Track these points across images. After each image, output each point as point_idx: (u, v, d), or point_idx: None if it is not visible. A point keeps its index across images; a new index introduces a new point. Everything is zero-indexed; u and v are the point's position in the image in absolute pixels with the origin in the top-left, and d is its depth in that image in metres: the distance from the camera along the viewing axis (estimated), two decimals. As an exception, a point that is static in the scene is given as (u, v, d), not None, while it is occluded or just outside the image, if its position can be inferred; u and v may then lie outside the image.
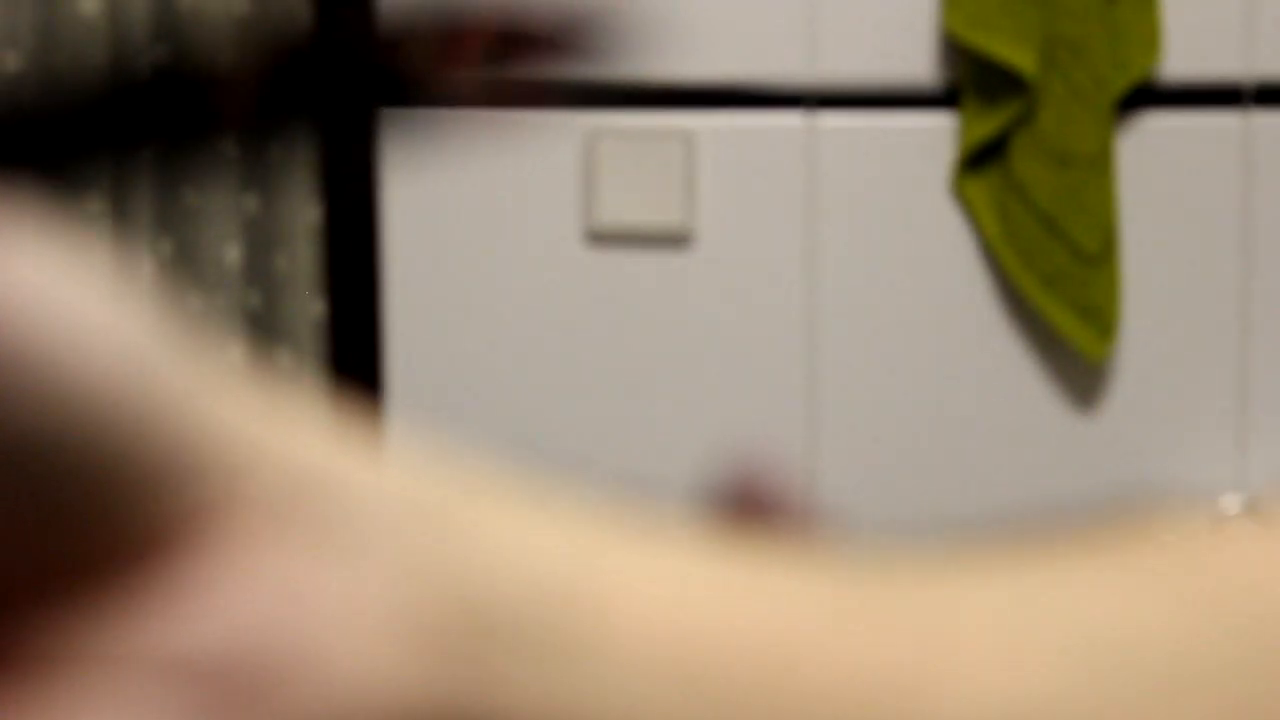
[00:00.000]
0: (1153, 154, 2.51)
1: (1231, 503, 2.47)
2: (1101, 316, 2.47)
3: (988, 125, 2.46)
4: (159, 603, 0.33)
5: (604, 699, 0.38)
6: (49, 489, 0.32)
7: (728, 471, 0.83)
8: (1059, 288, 2.47)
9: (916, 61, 2.52)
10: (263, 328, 2.59)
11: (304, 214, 2.61)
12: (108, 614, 0.33)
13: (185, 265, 2.54)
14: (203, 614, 0.33)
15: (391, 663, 0.35)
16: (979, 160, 2.49)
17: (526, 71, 0.33)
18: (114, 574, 0.33)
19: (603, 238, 2.56)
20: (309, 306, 2.61)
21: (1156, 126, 2.51)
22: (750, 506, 0.92)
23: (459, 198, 2.57)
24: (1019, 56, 2.41)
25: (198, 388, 0.34)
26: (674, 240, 2.56)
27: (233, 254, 2.58)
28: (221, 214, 2.56)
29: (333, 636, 0.34)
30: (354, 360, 2.57)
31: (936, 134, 2.52)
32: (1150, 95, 2.50)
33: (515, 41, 0.33)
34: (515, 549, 0.38)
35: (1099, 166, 2.44)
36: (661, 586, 0.41)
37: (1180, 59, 2.49)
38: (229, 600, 0.34)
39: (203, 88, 0.31)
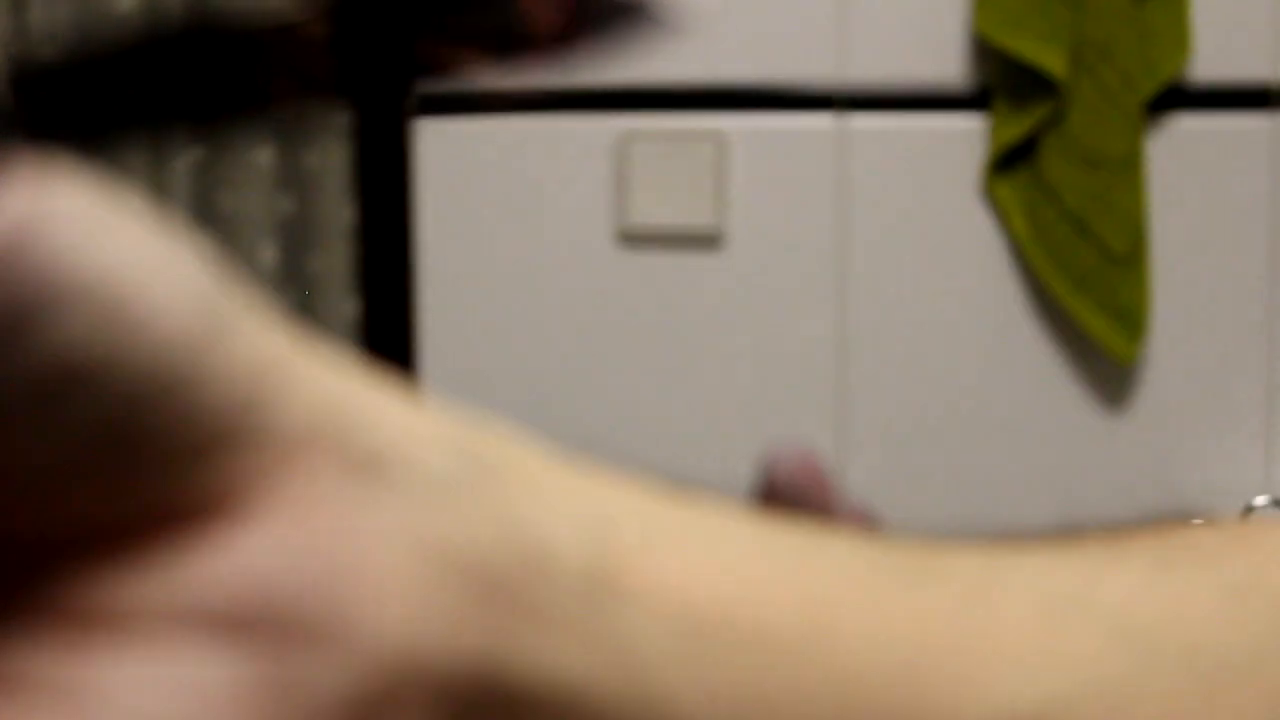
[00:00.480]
0: (1182, 156, 2.51)
1: (1262, 505, 2.46)
2: (1131, 318, 2.48)
3: (1018, 127, 2.46)
4: (205, 547, 0.33)
5: (636, 647, 0.38)
6: (105, 418, 0.32)
7: (768, 465, 0.83)
8: (1088, 289, 2.47)
9: (947, 63, 2.53)
10: (298, 327, 2.60)
11: (339, 215, 2.63)
12: (152, 563, 0.33)
13: (221, 265, 2.55)
14: (244, 555, 0.33)
15: (438, 602, 0.35)
16: (1009, 161, 2.50)
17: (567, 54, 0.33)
18: (161, 514, 0.33)
19: (635, 238, 2.57)
20: (344, 306, 2.62)
21: (1186, 128, 2.51)
22: (794, 499, 0.92)
23: (492, 198, 2.58)
24: (1049, 58, 2.41)
25: (244, 315, 0.34)
26: (705, 241, 2.57)
27: (269, 254, 2.60)
28: (257, 215, 2.58)
29: (378, 575, 0.34)
30: (388, 359, 2.58)
31: (967, 135, 2.53)
32: (1180, 97, 2.50)
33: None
34: (564, 500, 0.38)
35: (1129, 168, 2.45)
36: (705, 547, 0.41)
37: (1210, 61, 2.50)
38: (273, 538, 0.34)
39: (236, 51, 0.31)
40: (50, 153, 0.31)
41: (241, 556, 0.33)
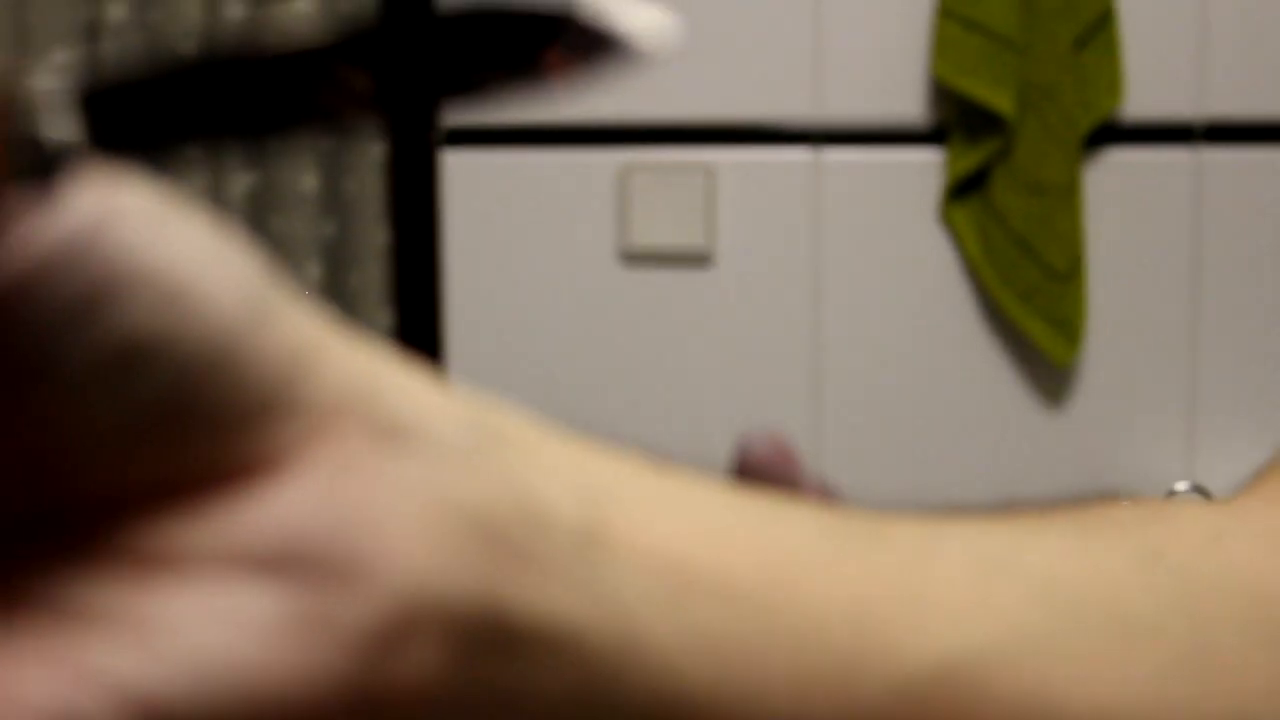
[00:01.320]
0: (1115, 185, 2.50)
1: (1183, 490, 2.46)
2: (1069, 327, 2.46)
3: (971, 159, 2.45)
4: (249, 500, 0.34)
5: (622, 597, 0.38)
6: (165, 389, 0.32)
7: (743, 443, 0.82)
8: (1032, 302, 2.46)
9: (909, 103, 2.51)
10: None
11: (375, 237, 2.62)
12: (204, 513, 0.33)
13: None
14: (282, 507, 0.34)
15: (449, 549, 0.35)
16: (963, 190, 2.49)
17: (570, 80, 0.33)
18: (211, 473, 0.33)
19: (635, 258, 2.56)
20: (380, 318, 2.62)
21: (1118, 161, 2.50)
22: (766, 475, 0.91)
23: (510, 222, 2.57)
24: (998, 99, 2.40)
25: (284, 303, 0.34)
26: (697, 260, 2.56)
27: (314, 272, 2.59)
28: (303, 237, 2.57)
29: (399, 524, 0.34)
30: (420, 365, 2.57)
31: (926, 167, 2.52)
32: (1113, 133, 2.49)
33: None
34: (562, 467, 0.39)
35: (1068, 196, 2.44)
36: (683, 511, 0.41)
37: (1139, 101, 2.49)
38: (308, 492, 0.34)
39: (278, 72, 0.31)
40: (119, 162, 0.31)
41: (281, 508, 0.33)
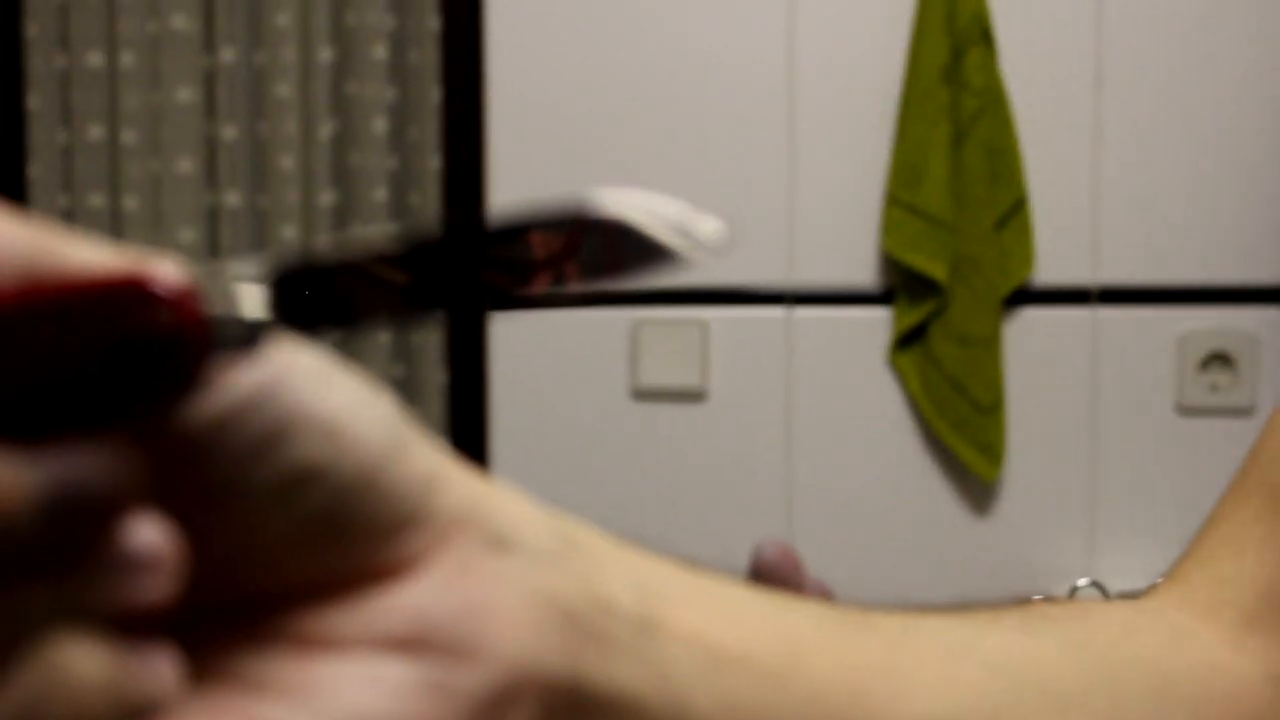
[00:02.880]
0: (1028, 337, 2.50)
1: (1084, 585, 2.44)
2: (993, 451, 2.45)
3: (913, 316, 2.45)
4: (390, 592, 0.34)
5: (670, 671, 0.39)
6: (325, 506, 0.33)
7: (757, 551, 0.82)
8: (963, 430, 2.45)
9: (864, 272, 2.52)
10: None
11: (435, 378, 2.62)
12: (355, 604, 0.34)
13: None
14: (415, 598, 0.34)
15: (542, 632, 0.36)
16: (907, 341, 2.48)
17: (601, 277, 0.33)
18: (360, 571, 0.34)
19: (643, 395, 2.56)
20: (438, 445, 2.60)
21: (1031, 318, 2.50)
22: (776, 576, 0.91)
23: (545, 367, 2.57)
24: (934, 269, 2.40)
25: (415, 440, 0.35)
26: (693, 397, 2.55)
27: (386, 406, 2.58)
28: (377, 378, 2.57)
29: (505, 612, 0.35)
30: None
31: (877, 322, 2.52)
32: (1026, 296, 2.50)
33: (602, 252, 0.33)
34: (621, 568, 0.39)
35: (991, 346, 2.43)
36: (715, 603, 0.42)
37: (1046, 271, 2.49)
38: (434, 587, 0.34)
39: (365, 278, 0.32)
40: (295, 331, 0.32)
41: (415, 599, 0.34)
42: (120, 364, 0.27)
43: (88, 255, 0.28)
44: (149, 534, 0.28)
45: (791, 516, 2.54)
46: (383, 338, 2.59)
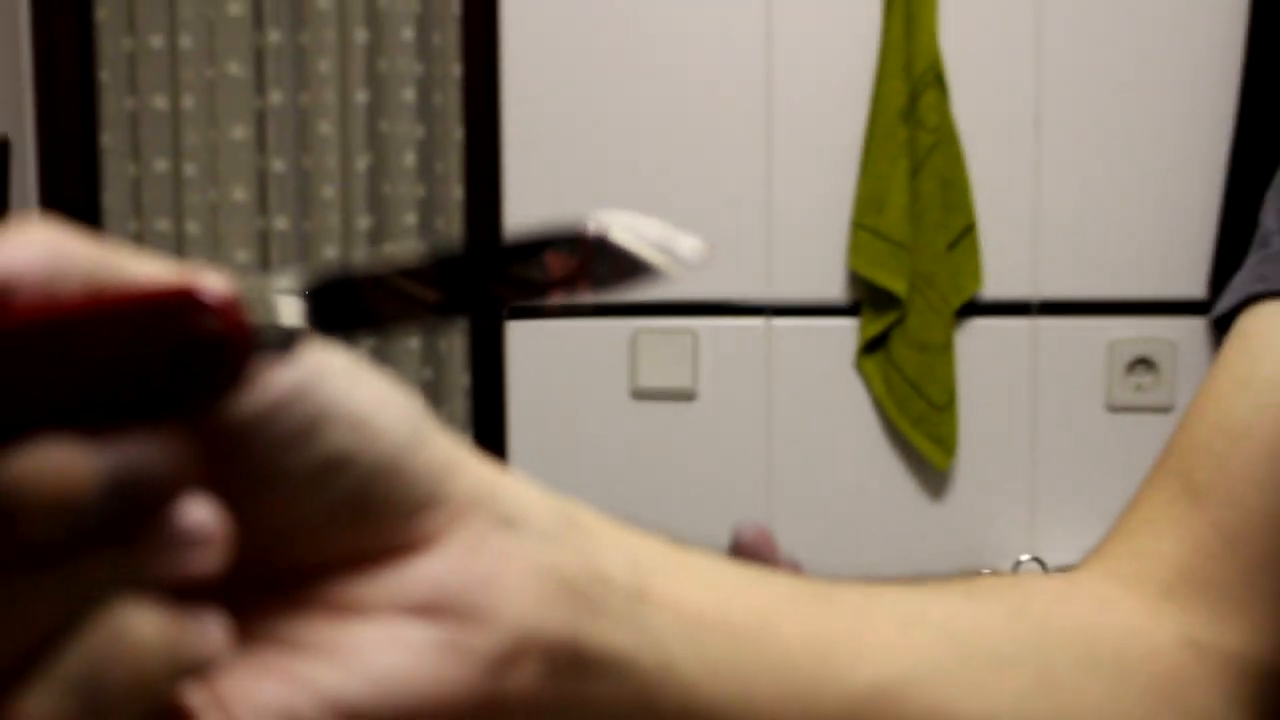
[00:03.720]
0: (977, 344, 2.50)
1: (1025, 561, 2.44)
2: (946, 444, 2.45)
3: (876, 326, 2.45)
4: (411, 566, 0.34)
5: (658, 635, 0.39)
6: (354, 490, 0.33)
7: (736, 530, 0.83)
8: (920, 426, 2.45)
9: (834, 287, 2.51)
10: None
11: (460, 380, 2.62)
12: (381, 575, 0.34)
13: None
14: (433, 570, 0.34)
15: (545, 600, 0.36)
16: (871, 347, 2.48)
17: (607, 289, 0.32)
18: (386, 547, 0.34)
19: (641, 395, 2.56)
20: (462, 440, 2.60)
21: (979, 327, 2.50)
22: (753, 553, 0.91)
23: (555, 370, 2.57)
24: (895, 285, 2.40)
25: (434, 431, 0.35)
26: (685, 397, 2.55)
27: (416, 405, 2.58)
28: (407, 380, 2.57)
29: (512, 582, 0.35)
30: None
31: (845, 331, 2.51)
32: (975, 308, 2.49)
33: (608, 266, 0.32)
34: (616, 544, 0.39)
35: (945, 352, 2.43)
36: (697, 576, 0.41)
37: (993, 286, 2.49)
38: (450, 560, 0.34)
39: (391, 289, 0.32)
40: (328, 338, 0.31)
41: (434, 571, 0.34)
42: (173, 364, 0.27)
43: (145, 270, 0.29)
44: (200, 513, 0.28)
45: (771, 501, 2.54)
46: (413, 344, 2.59)
